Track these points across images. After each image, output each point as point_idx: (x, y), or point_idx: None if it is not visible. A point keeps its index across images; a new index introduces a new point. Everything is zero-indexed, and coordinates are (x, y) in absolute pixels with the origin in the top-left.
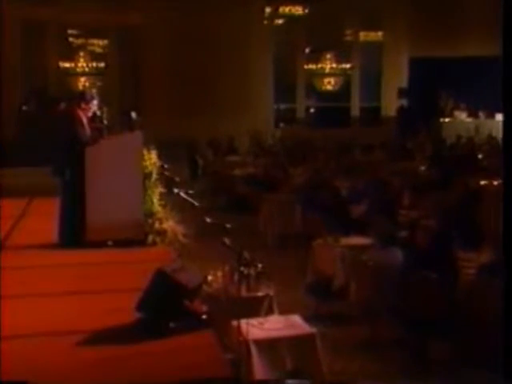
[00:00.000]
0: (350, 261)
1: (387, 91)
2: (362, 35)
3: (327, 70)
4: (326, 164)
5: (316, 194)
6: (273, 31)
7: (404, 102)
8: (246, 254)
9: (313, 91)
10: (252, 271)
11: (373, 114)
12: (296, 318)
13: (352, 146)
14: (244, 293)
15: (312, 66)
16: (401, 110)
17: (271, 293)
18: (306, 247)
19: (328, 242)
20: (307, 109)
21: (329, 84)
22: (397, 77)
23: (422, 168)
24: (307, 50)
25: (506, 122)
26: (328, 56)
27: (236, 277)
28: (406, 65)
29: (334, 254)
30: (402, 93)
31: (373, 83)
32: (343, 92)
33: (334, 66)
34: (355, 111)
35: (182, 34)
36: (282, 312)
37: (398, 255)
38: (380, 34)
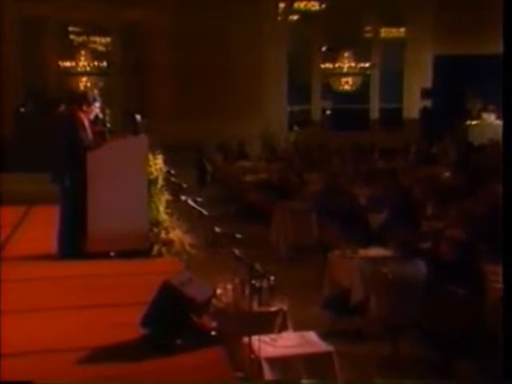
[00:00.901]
0: (370, 274)
1: (409, 91)
2: (383, 31)
3: (345, 70)
4: (343, 170)
5: (332, 202)
6: (287, 28)
7: (428, 103)
8: (258, 266)
9: (329, 92)
10: (264, 284)
11: (394, 116)
12: (311, 335)
13: (371, 150)
14: (256, 307)
15: (329, 65)
16: (424, 111)
17: (285, 307)
18: (321, 259)
19: (345, 253)
20: (323, 111)
21: (346, 84)
22: (420, 76)
23: (447, 174)
24: (323, 48)
25: (506, 122)
26: (346, 54)
27: (247, 290)
28: (430, 63)
29: (351, 266)
30: (425, 93)
31: (394, 83)
32: (362, 92)
33: (353, 64)
34: (375, 113)
35: (190, 31)
36: (297, 328)
37: (420, 268)
38: (402, 30)
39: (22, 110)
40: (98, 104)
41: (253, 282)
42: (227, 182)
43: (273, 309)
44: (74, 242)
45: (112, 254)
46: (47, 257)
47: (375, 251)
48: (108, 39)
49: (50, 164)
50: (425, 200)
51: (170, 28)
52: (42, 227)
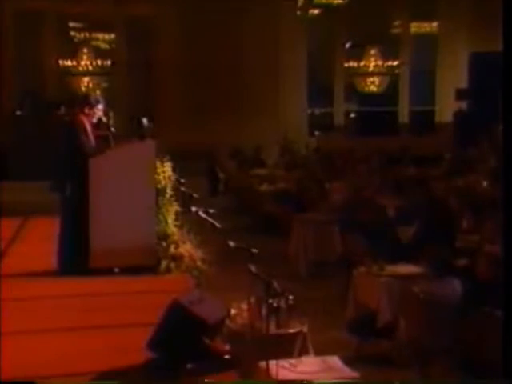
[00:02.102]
0: (398, 293)
1: (443, 92)
2: (413, 26)
3: (371, 68)
4: (369, 179)
5: (357, 214)
6: (307, 23)
7: (462, 104)
8: (276, 284)
9: (354, 93)
10: (282, 304)
11: (425, 119)
12: (334, 360)
13: (400, 157)
14: (273, 329)
15: (353, 64)
16: (459, 114)
17: (305, 329)
18: (345, 276)
19: (372, 270)
20: (347, 114)
21: (373, 84)
22: (454, 75)
23: (485, 183)
24: (347, 45)
25: (506, 122)
26: (372, 51)
27: (264, 310)
28: (466, 61)
29: (379, 284)
30: (460, 94)
31: (425, 83)
32: (390, 94)
33: (379, 63)
34: (404, 116)
35: (201, 26)
36: (318, 352)
37: (455, 287)
38: (434, 24)
39: (18, 113)
40: (100, 106)
41: (270, 301)
42: (242, 191)
43: (292, 331)
44: (75, 257)
45: (116, 270)
46: (46, 273)
47: (405, 268)
48: (112, 36)
49: (48, 172)
50: (460, 212)
51: (178, 23)
52: (40, 241)
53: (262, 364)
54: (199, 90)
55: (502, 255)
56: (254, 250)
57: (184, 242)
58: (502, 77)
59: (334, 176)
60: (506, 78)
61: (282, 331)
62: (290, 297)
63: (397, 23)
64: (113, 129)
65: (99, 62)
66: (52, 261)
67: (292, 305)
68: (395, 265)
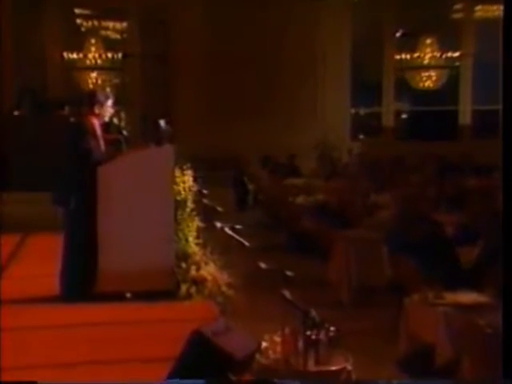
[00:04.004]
0: (460, 326)
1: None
2: (478, 10)
3: (426, 61)
4: (423, 191)
5: (410, 232)
6: (351, 9)
7: None
8: (314, 313)
9: (406, 90)
10: (322, 336)
11: (490, 120)
12: None
13: (461, 165)
14: (312, 366)
15: (405, 56)
16: None
17: (349, 366)
18: (396, 304)
19: (427, 298)
20: (397, 114)
21: (429, 79)
22: None
23: None
24: (398, 34)
25: (505, 122)
26: (428, 41)
27: (301, 344)
28: None
29: (436, 315)
30: None
31: (491, 78)
32: (449, 91)
33: (437, 54)
34: (466, 117)
35: (227, 15)
36: None
37: None
38: (502, 8)
39: (16, 113)
40: (111, 106)
41: (308, 333)
42: (274, 204)
43: (333, 367)
44: (81, 280)
45: (128, 295)
46: (46, 299)
47: (467, 296)
48: (123, 25)
49: (50, 182)
50: None
51: (200, 11)
52: (40, 261)
53: None
54: (224, 87)
55: (502, 255)
56: (289, 273)
57: (207, 264)
58: (502, 75)
59: (382, 187)
60: (506, 77)
61: (321, 368)
62: (331, 328)
63: (458, 7)
64: (125, 132)
65: (109, 54)
66: (54, 284)
67: (333, 337)
68: (455, 292)
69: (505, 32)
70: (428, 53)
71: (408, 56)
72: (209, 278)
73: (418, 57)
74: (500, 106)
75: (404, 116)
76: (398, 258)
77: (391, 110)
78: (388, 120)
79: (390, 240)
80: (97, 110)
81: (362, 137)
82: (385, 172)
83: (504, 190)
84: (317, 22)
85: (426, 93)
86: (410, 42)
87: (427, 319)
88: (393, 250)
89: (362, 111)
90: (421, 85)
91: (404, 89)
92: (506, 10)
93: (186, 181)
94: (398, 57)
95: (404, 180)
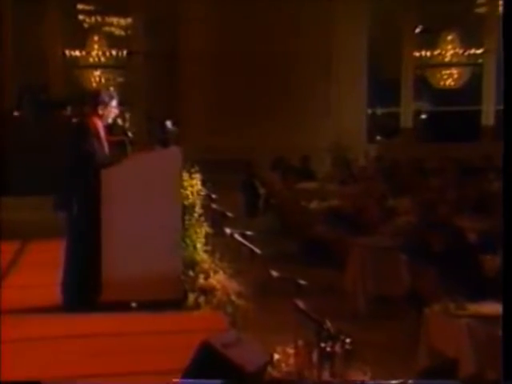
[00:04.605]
0: (484, 338)
1: None
2: (502, 4)
3: (448, 58)
4: (444, 195)
5: (430, 239)
6: (367, 3)
7: None
8: (329, 324)
9: (426, 89)
10: (337, 348)
11: None
12: None
13: (484, 168)
14: (327, 379)
15: (425, 53)
16: None
17: (366, 379)
18: (415, 315)
19: (449, 308)
20: (417, 114)
21: (450, 78)
22: None
23: None
24: (418, 29)
25: (506, 122)
26: (449, 37)
27: (315, 356)
28: None
29: (458, 327)
30: None
31: None
32: (471, 89)
33: (459, 51)
34: (489, 117)
35: (238, 10)
36: None
37: None
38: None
39: (16, 113)
40: (115, 106)
41: (322, 345)
42: (286, 209)
43: (350, 381)
44: (84, 289)
45: (134, 305)
46: (48, 310)
47: (491, 307)
48: (128, 20)
49: (51, 186)
50: None
51: (209, 5)
52: (41, 269)
53: None
54: (234, 85)
55: (502, 255)
56: (302, 282)
57: (216, 272)
58: (503, 75)
59: (400, 191)
60: (506, 77)
61: (337, 381)
62: (347, 340)
63: (481, 0)
64: (129, 133)
65: (113, 52)
66: (55, 293)
67: (349, 350)
68: (478, 303)
69: (505, 32)
70: (449, 49)
71: (428, 53)
72: (218, 286)
73: (439, 54)
74: None
75: (424, 116)
76: (418, 266)
77: (410, 110)
78: (407, 120)
79: (409, 247)
80: (100, 111)
81: (379, 138)
82: (403, 175)
83: (504, 190)
84: (332, 18)
85: (447, 92)
86: (431, 38)
87: (449, 331)
88: (412, 258)
89: (379, 111)
90: (441, 83)
91: (424, 88)
92: (506, 10)
93: (193, 185)
94: (417, 54)
95: (423, 184)
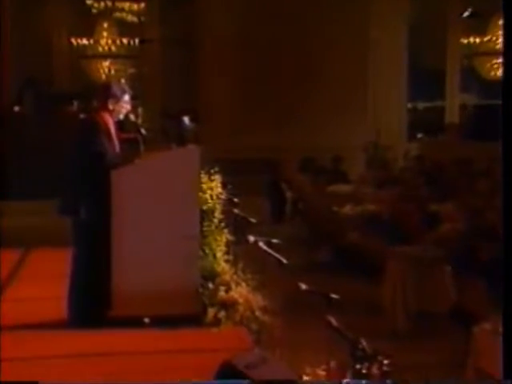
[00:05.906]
0: None
1: None
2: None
3: (498, 46)
4: (493, 199)
5: (477, 248)
6: None
7: None
8: (364, 343)
9: (473, 80)
10: (374, 370)
11: None
12: None
13: None
14: None
15: (473, 40)
16: None
17: None
18: (462, 334)
19: (500, 327)
20: (463, 109)
21: (500, 68)
22: None
23: None
24: (465, 14)
25: (505, 122)
26: (500, 22)
27: (348, 378)
28: None
29: None
30: None
31: None
32: None
33: None
34: None
35: None
36: None
37: None
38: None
39: (17, 108)
40: (127, 101)
41: (357, 366)
42: (316, 215)
43: None
44: (92, 302)
45: (147, 320)
46: (53, 325)
47: None
48: (141, 5)
49: (57, 188)
50: None
51: None
52: (46, 281)
53: None
54: (259, 78)
55: (502, 255)
56: (334, 296)
57: (238, 284)
58: (503, 75)
59: (444, 195)
60: (506, 77)
61: None
62: (385, 361)
63: None
64: (143, 130)
65: (124, 40)
66: (61, 307)
67: (388, 372)
68: None
69: (505, 31)
70: (500, 36)
71: (477, 40)
72: (240, 300)
73: (489, 40)
74: None
75: (471, 111)
76: (464, 278)
77: (456, 104)
78: (452, 116)
79: (454, 258)
80: (111, 106)
81: (420, 136)
82: (448, 178)
83: (504, 189)
84: (367, 3)
85: (498, 84)
86: (479, 23)
87: (500, 351)
88: (457, 269)
89: (421, 106)
90: (491, 74)
91: (472, 79)
92: (505, 10)
93: (213, 187)
94: (464, 41)
95: (471, 187)
